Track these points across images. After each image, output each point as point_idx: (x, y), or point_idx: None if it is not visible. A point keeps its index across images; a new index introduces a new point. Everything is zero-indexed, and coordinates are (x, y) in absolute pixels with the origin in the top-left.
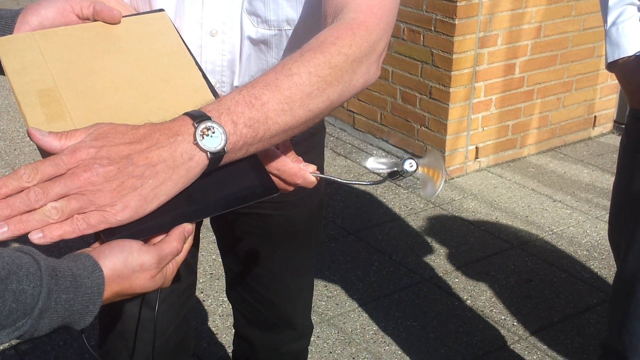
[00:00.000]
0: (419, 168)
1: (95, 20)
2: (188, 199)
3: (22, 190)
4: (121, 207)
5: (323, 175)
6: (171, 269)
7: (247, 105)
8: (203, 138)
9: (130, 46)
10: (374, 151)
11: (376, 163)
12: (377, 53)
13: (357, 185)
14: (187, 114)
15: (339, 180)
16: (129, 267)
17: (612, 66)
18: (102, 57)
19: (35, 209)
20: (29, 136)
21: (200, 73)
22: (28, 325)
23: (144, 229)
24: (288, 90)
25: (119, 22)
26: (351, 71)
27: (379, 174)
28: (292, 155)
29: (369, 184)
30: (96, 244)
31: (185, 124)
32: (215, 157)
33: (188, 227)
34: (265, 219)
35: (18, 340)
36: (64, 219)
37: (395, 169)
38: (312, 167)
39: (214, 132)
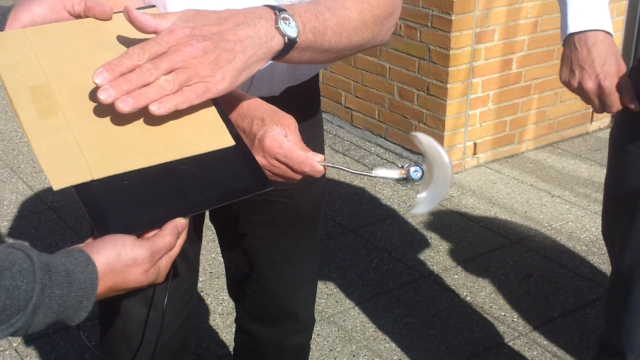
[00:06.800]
0: (425, 174)
1: (86, 17)
2: (181, 194)
3: (134, 69)
4: (220, 78)
5: (331, 165)
6: (164, 264)
7: (314, 16)
8: (282, 25)
9: (122, 42)
10: (376, 149)
11: (385, 172)
12: (395, 17)
13: (363, 176)
14: (266, 5)
15: (346, 169)
16: (122, 261)
17: None
18: (94, 53)
19: (150, 83)
20: (125, 13)
21: None
22: (22, 322)
23: (138, 223)
24: (342, 18)
25: (111, 18)
26: (381, 24)
27: (390, 179)
28: (299, 143)
29: (376, 177)
30: (89, 240)
31: (267, 11)
32: (289, 44)
33: (181, 221)
34: (272, 206)
35: (17, 340)
36: (176, 91)
37: (404, 176)
38: (320, 157)
39: (290, 23)
